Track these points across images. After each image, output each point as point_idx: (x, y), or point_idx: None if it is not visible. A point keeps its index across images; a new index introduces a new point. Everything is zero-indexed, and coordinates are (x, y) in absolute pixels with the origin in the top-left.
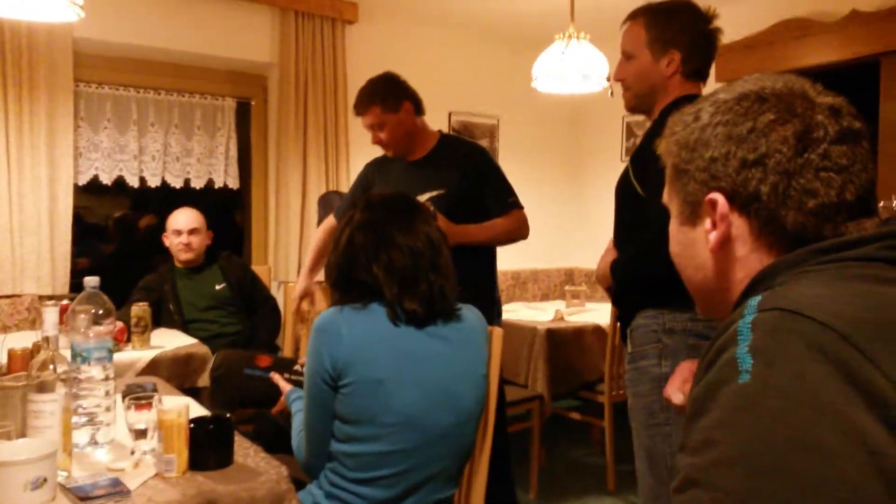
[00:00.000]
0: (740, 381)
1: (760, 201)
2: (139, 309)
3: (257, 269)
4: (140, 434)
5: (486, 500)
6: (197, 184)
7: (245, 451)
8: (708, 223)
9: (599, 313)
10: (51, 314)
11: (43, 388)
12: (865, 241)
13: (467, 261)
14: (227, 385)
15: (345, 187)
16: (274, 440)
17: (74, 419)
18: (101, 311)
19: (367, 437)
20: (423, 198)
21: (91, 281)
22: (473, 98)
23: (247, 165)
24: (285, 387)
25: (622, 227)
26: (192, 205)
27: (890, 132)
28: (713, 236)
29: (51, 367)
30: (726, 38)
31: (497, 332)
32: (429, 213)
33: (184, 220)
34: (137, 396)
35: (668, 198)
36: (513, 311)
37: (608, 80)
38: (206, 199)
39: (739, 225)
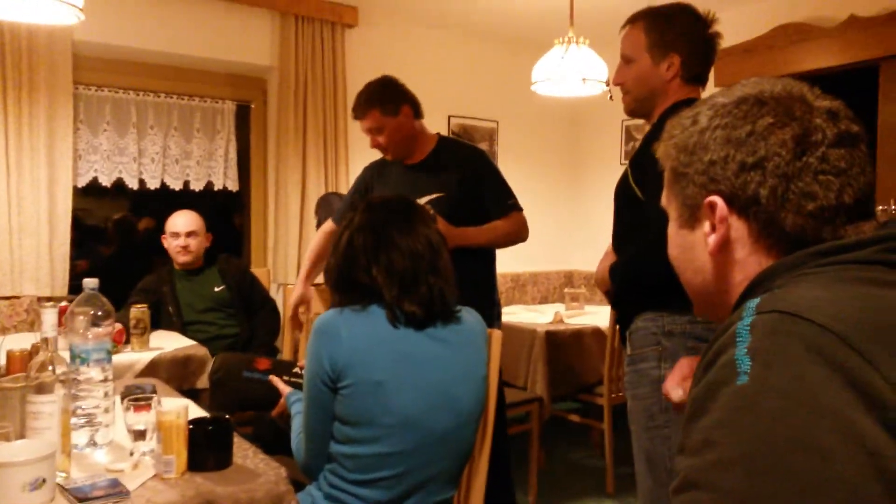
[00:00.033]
0: (739, 382)
1: (759, 204)
2: (138, 311)
3: (256, 271)
4: (139, 435)
5: (485, 502)
6: (196, 186)
7: (244, 452)
8: (707, 226)
9: (599, 316)
10: (50, 315)
11: (42, 389)
12: (864, 244)
13: (467, 263)
14: (226, 388)
15: (344, 190)
16: (273, 442)
17: (73, 420)
18: (99, 313)
19: (367, 438)
20: (422, 201)
21: (90, 282)
22: (473, 101)
23: (246, 168)
24: (284, 389)
25: (621, 231)
26: (192, 207)
27: (889, 136)
28: (712, 239)
29: (50, 368)
30: (725, 42)
31: (496, 334)
32: (429, 216)
33: (182, 222)
34: (136, 398)
35: (667, 201)
36: (512, 314)
37: (607, 84)
38: (206, 202)
39: (738, 227)
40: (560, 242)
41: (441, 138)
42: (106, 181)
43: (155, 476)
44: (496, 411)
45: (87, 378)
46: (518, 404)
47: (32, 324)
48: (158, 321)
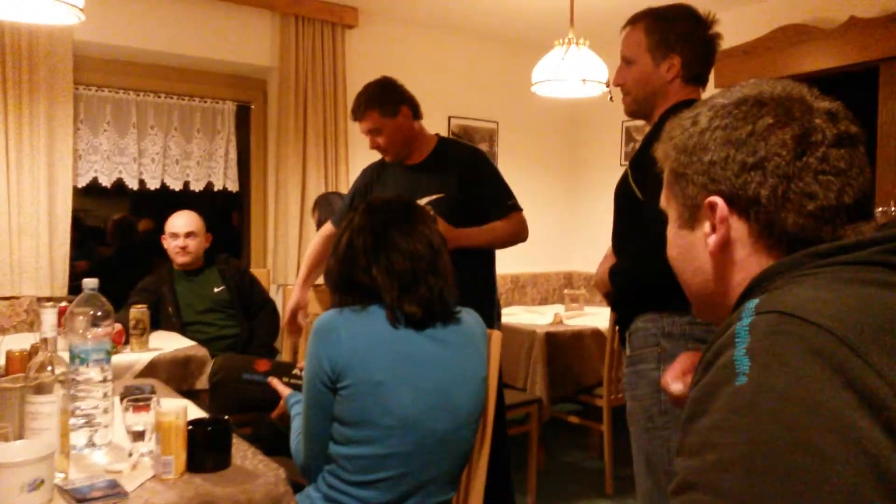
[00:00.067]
0: (737, 383)
1: (760, 204)
2: (137, 311)
3: (256, 271)
4: (138, 436)
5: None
6: (196, 186)
7: (243, 453)
8: (707, 226)
9: (598, 317)
10: (49, 316)
11: (41, 389)
12: (863, 245)
13: (467, 264)
14: (226, 390)
15: (344, 190)
16: (272, 443)
17: (72, 421)
18: (99, 313)
19: (366, 439)
20: (422, 202)
21: (89, 283)
22: (473, 102)
23: (246, 168)
24: (284, 391)
25: (621, 232)
26: (192, 207)
27: (888, 137)
28: (713, 239)
29: (49, 368)
30: (725, 43)
31: (496, 335)
32: (429, 217)
33: (181, 223)
34: (136, 398)
35: (666, 202)
36: (512, 315)
37: (607, 85)
38: (206, 202)
39: (738, 228)
40: (560, 243)
41: (440, 139)
42: (106, 181)
43: (154, 477)
44: (496, 412)
45: (86, 378)
46: (517, 405)
47: (32, 324)
48: (158, 322)
